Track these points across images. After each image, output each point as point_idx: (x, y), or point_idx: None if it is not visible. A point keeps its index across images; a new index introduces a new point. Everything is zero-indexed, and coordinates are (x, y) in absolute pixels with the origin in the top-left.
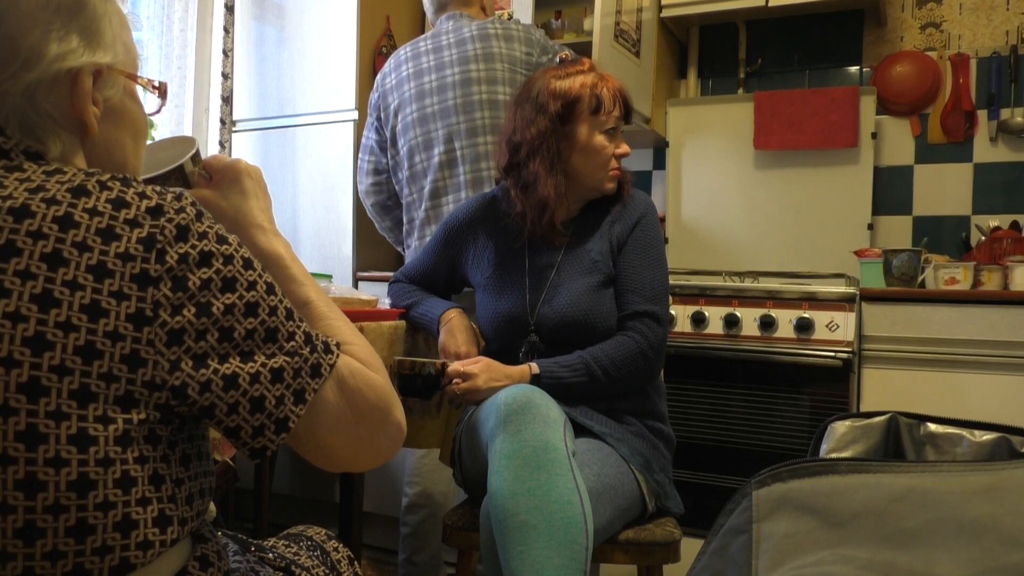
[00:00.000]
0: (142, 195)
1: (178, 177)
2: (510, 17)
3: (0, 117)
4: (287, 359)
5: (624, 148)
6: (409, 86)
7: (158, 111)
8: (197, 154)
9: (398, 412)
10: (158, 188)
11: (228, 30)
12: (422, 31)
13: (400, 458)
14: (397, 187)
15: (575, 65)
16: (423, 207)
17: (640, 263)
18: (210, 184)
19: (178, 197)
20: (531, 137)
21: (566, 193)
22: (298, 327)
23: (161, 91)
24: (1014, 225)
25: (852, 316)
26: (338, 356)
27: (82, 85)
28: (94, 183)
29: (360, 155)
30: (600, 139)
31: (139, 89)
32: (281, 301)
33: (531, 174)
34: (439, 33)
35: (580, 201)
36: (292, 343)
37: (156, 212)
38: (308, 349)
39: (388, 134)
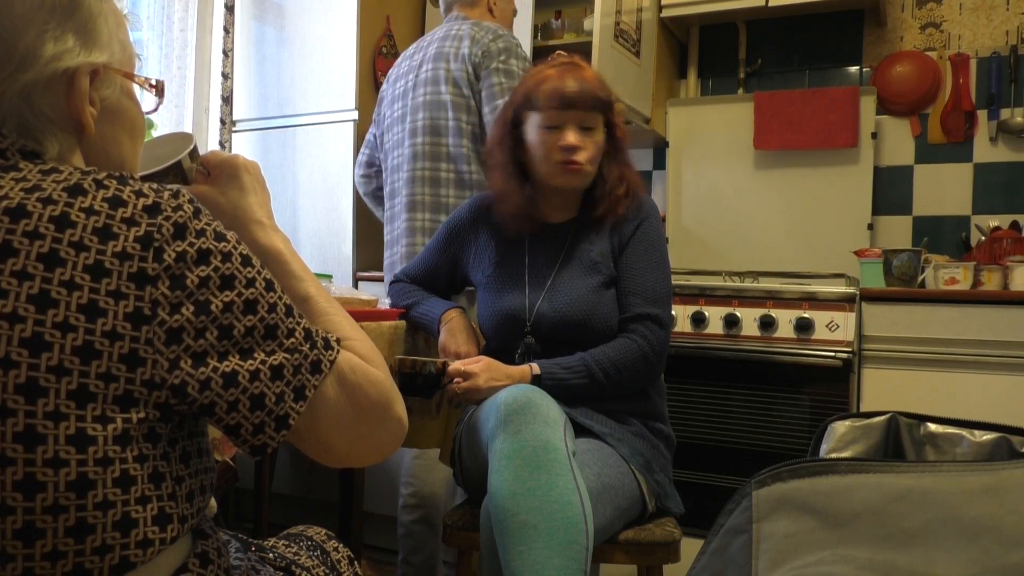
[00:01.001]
0: (139, 193)
1: (176, 174)
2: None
3: None
4: (287, 356)
5: (568, 139)
6: (391, 90)
7: (155, 109)
8: (195, 150)
9: (399, 408)
10: (155, 186)
11: (228, 30)
12: (422, 31)
13: (400, 457)
14: None
15: (551, 61)
16: (387, 206)
17: (642, 265)
18: (208, 180)
19: (175, 195)
20: (491, 147)
21: (537, 195)
22: (298, 323)
23: (158, 89)
24: (1014, 225)
25: (852, 316)
26: (338, 352)
27: (79, 85)
28: (90, 182)
29: (362, 147)
30: (542, 134)
31: (136, 88)
32: (280, 298)
33: (495, 183)
34: (428, 34)
35: (563, 200)
36: (292, 340)
37: (153, 210)
38: (308, 345)
39: (380, 134)
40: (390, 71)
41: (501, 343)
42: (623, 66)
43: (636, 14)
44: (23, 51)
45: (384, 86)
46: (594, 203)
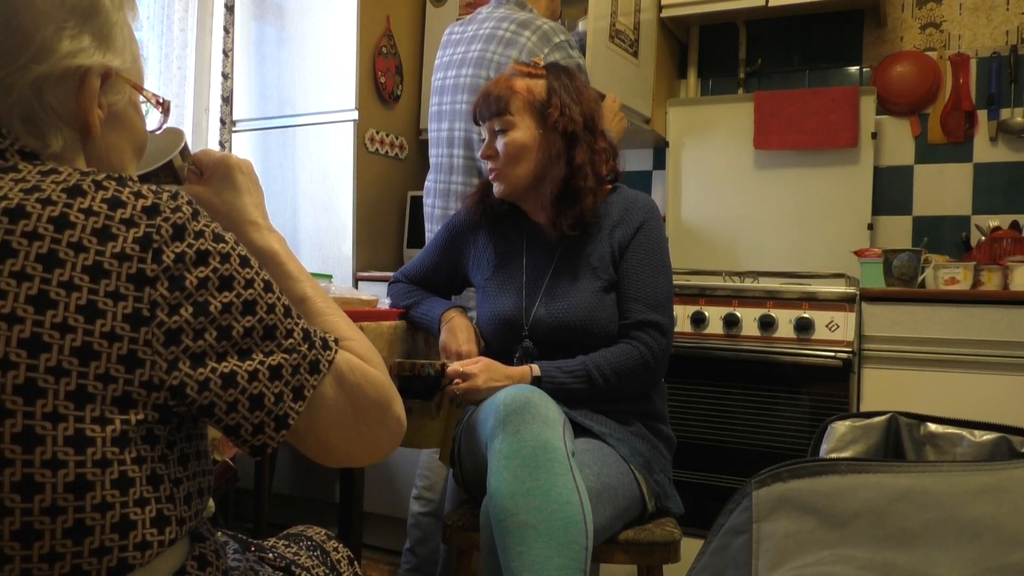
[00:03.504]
0: (138, 194)
1: (168, 173)
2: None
3: (2, 111)
4: (285, 356)
5: (483, 150)
6: (436, 77)
7: (159, 128)
8: (186, 148)
9: (398, 407)
10: (154, 187)
11: (228, 30)
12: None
13: (402, 458)
14: None
15: None
16: (425, 203)
17: (643, 270)
18: (202, 180)
19: (174, 196)
20: None
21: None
22: (296, 324)
23: (164, 108)
24: (1014, 225)
25: (852, 316)
26: (336, 352)
27: (90, 84)
28: (89, 183)
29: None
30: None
31: (143, 106)
32: (279, 298)
33: None
34: (473, 21)
35: (533, 206)
36: (290, 340)
37: (152, 211)
38: (306, 346)
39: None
40: (439, 50)
41: (499, 346)
42: (619, 67)
43: (634, 15)
44: (39, 44)
45: (437, 62)
46: (556, 216)
